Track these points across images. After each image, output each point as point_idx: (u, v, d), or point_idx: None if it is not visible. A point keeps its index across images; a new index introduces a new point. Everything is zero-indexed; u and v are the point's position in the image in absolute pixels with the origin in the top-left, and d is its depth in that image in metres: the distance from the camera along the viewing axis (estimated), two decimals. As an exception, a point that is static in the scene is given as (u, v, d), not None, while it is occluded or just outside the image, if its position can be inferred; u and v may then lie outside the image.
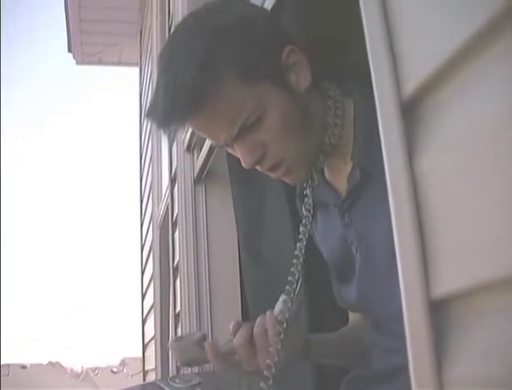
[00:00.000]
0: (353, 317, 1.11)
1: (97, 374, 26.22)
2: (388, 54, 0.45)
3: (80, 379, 26.39)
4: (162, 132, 0.87)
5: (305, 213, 0.94)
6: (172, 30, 0.94)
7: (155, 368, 3.34)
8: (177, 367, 2.27)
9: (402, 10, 0.44)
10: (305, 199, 0.94)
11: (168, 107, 0.82)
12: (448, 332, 0.40)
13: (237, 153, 0.88)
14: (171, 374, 2.54)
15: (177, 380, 1.07)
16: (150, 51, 3.53)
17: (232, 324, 0.92)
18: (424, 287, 0.40)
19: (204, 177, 1.98)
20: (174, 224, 2.32)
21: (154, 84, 0.88)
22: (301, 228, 0.94)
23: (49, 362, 27.33)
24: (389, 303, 0.87)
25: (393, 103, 0.44)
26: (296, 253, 0.93)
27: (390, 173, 0.44)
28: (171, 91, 0.82)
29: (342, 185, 0.94)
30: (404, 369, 0.43)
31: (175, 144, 2.29)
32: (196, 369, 1.79)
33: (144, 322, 4.11)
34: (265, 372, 0.85)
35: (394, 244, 0.77)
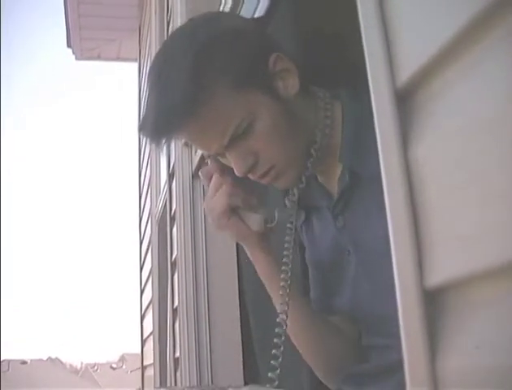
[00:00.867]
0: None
1: (97, 369, 26.27)
2: (383, 42, 0.44)
3: (80, 374, 26.45)
4: (154, 146, 0.88)
5: (288, 204, 0.95)
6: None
7: (153, 363, 3.34)
8: (174, 362, 2.27)
9: (397, 0, 0.44)
10: (290, 196, 0.94)
11: (159, 121, 0.84)
12: (442, 322, 0.40)
13: (229, 161, 0.89)
14: (168, 370, 2.54)
15: None
16: (149, 47, 3.52)
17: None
18: (418, 276, 0.40)
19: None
20: (172, 219, 2.32)
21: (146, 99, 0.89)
22: (287, 225, 0.95)
23: (49, 358, 27.39)
24: (387, 305, 0.87)
25: (388, 92, 0.44)
26: (285, 252, 0.94)
27: (385, 162, 0.44)
28: (161, 105, 0.84)
29: (335, 188, 0.94)
30: (402, 364, 0.43)
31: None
32: (192, 366, 1.79)
33: (142, 317, 4.12)
34: (272, 362, 0.86)
35: (389, 244, 0.77)
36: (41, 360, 26.56)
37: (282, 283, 0.92)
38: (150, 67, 0.92)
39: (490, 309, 0.36)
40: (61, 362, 28.07)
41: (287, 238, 0.93)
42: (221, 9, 1.59)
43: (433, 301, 0.40)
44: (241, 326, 1.80)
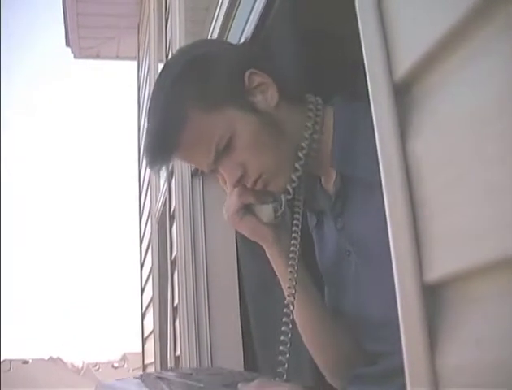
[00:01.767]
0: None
1: (98, 369, 26.31)
2: (380, 37, 0.44)
3: (81, 374, 26.48)
4: (150, 169, 0.99)
5: (284, 202, 0.98)
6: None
7: (154, 362, 3.34)
8: (175, 361, 2.27)
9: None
10: (286, 194, 0.97)
11: (149, 153, 0.95)
12: (441, 318, 0.39)
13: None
14: (169, 367, 2.54)
15: (170, 372, 1.07)
16: (148, 45, 3.52)
17: None
18: (417, 271, 0.40)
19: (201, 170, 1.97)
20: (171, 218, 2.32)
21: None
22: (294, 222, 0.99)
23: (51, 358, 27.43)
24: (390, 308, 0.87)
25: (385, 87, 0.43)
26: (291, 249, 0.96)
27: (383, 157, 0.44)
28: (150, 136, 0.96)
29: (333, 191, 0.98)
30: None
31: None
32: (193, 364, 1.79)
33: (143, 316, 4.12)
34: (279, 357, 0.88)
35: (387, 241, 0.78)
36: (42, 359, 26.60)
37: (290, 269, 0.95)
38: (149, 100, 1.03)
39: (489, 303, 0.35)
40: (62, 362, 28.10)
41: (295, 222, 0.97)
42: (218, 6, 1.59)
43: (432, 296, 0.40)
44: (242, 324, 1.80)
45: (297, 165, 0.93)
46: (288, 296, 0.93)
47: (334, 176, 0.95)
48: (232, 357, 1.78)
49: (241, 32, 1.42)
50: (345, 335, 1.03)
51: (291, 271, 0.95)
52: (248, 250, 1.67)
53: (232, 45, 1.22)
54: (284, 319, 0.92)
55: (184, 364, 1.90)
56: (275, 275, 1.09)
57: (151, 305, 3.53)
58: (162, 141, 0.94)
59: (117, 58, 5.03)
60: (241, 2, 1.45)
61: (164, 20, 2.61)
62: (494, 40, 0.35)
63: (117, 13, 4.36)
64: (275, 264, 1.03)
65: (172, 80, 0.94)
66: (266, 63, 0.98)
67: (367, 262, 0.92)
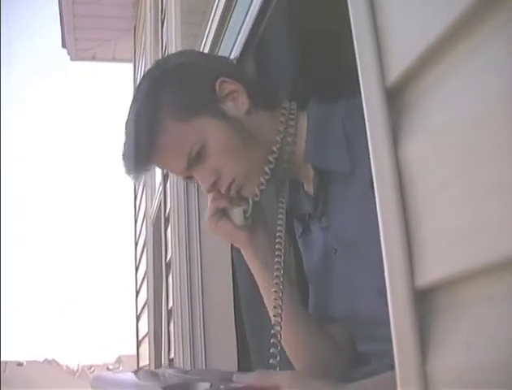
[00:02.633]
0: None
1: (93, 371, 26.25)
2: (373, 41, 0.44)
3: (76, 376, 26.43)
4: (128, 176, 1.02)
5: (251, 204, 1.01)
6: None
7: (149, 364, 3.34)
8: (169, 363, 2.27)
9: (388, -2, 0.44)
10: (253, 197, 1.00)
11: (126, 162, 1.00)
12: (433, 322, 0.39)
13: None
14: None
15: (166, 369, 1.06)
16: (144, 47, 3.52)
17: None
18: (409, 275, 0.40)
19: None
20: (166, 220, 2.32)
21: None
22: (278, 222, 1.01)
23: (46, 360, 27.36)
24: (375, 300, 0.88)
25: (378, 91, 0.44)
26: (276, 252, 0.97)
27: (375, 160, 0.44)
28: (126, 147, 1.00)
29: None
30: None
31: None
32: (188, 367, 1.79)
33: (138, 318, 4.11)
34: (271, 349, 0.89)
35: (371, 233, 0.79)
36: (37, 361, 26.53)
37: (275, 288, 0.94)
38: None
39: (479, 308, 0.36)
40: (58, 364, 28.03)
41: (277, 240, 0.98)
42: (214, 8, 1.59)
43: (424, 300, 0.40)
44: (236, 326, 1.80)
45: (266, 168, 0.96)
46: (275, 316, 0.92)
47: (312, 176, 0.97)
48: (226, 359, 1.77)
49: (237, 34, 1.42)
50: (329, 345, 1.03)
51: (276, 291, 0.94)
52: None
53: (205, 54, 1.30)
54: (272, 323, 0.92)
55: (179, 366, 1.90)
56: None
57: (146, 307, 3.53)
58: (137, 151, 0.97)
59: (113, 60, 5.02)
60: (237, 4, 1.45)
61: (160, 22, 2.61)
62: (484, 45, 0.35)
63: (113, 15, 4.35)
64: (252, 265, 1.06)
65: (147, 92, 1.00)
66: (237, 72, 1.03)
67: (354, 257, 0.93)
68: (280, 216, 1.01)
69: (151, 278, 3.29)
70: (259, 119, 0.99)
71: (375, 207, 0.87)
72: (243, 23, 1.38)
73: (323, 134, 0.95)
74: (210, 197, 1.02)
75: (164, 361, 2.52)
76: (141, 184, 3.80)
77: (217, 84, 0.98)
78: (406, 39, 0.41)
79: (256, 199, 0.99)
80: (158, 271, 2.94)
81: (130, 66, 4.60)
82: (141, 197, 3.90)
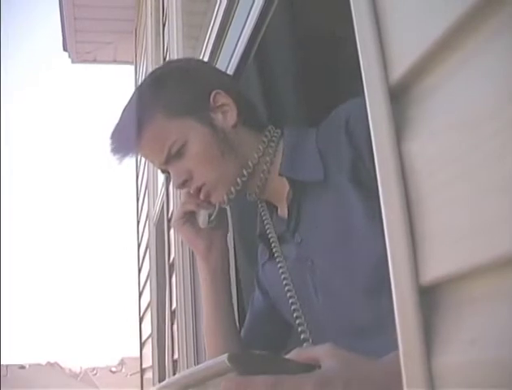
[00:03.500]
0: None
1: (96, 374, 26.21)
2: (376, 38, 0.44)
3: (79, 379, 26.38)
4: (112, 155, 1.07)
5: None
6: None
7: (152, 366, 3.34)
8: (173, 365, 2.27)
9: (390, -4, 0.44)
10: (221, 203, 1.07)
11: (114, 140, 1.06)
12: (437, 319, 0.39)
13: None
14: (167, 372, 2.53)
15: None
16: (145, 49, 3.52)
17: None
18: (413, 273, 0.40)
19: None
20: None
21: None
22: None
23: (48, 363, 27.30)
24: (361, 301, 0.89)
25: (381, 90, 0.44)
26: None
27: (379, 159, 0.44)
28: (118, 127, 1.07)
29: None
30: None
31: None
32: (191, 366, 1.79)
33: (141, 320, 4.11)
34: (300, 328, 0.97)
35: (347, 236, 0.82)
36: (39, 364, 26.49)
37: (294, 307, 1.01)
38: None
39: (484, 304, 0.36)
40: (60, 367, 27.99)
41: (279, 259, 1.04)
42: (215, 10, 1.59)
43: (428, 297, 0.40)
44: (240, 327, 1.80)
45: (238, 180, 1.02)
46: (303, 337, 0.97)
47: (286, 194, 1.01)
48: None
49: (238, 36, 1.42)
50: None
51: (295, 310, 1.00)
52: (245, 253, 1.67)
53: (209, 66, 1.41)
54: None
55: (182, 368, 1.90)
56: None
57: (149, 309, 3.52)
58: (125, 135, 1.06)
59: (114, 62, 5.02)
60: (238, 6, 1.45)
61: (161, 24, 2.62)
62: (488, 43, 0.35)
63: (114, 17, 4.36)
64: (202, 280, 1.13)
65: (146, 86, 1.09)
66: (233, 89, 1.09)
67: (332, 262, 0.95)
68: (270, 231, 1.07)
69: (154, 279, 3.29)
70: (243, 135, 1.05)
71: (352, 210, 0.89)
72: (244, 26, 1.38)
73: (297, 151, 1.01)
74: (181, 199, 1.10)
75: (168, 362, 2.52)
76: (144, 185, 3.81)
77: (212, 94, 1.04)
78: (410, 37, 0.41)
79: (223, 205, 1.06)
80: (161, 272, 2.94)
81: (131, 68, 4.60)
82: (144, 198, 3.90)
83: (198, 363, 1.79)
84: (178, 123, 1.02)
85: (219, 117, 1.04)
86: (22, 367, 24.69)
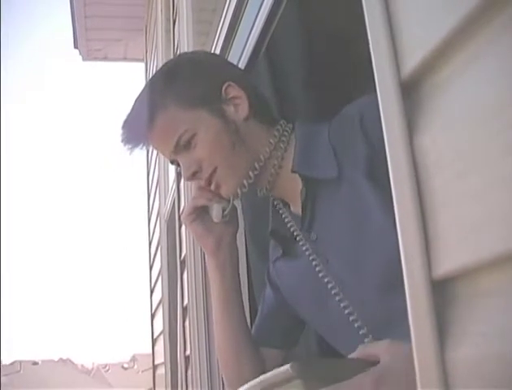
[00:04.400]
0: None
1: (108, 370, 26.37)
2: (387, 33, 0.44)
3: (91, 375, 26.55)
4: (123, 145, 1.08)
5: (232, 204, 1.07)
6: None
7: (164, 362, 3.35)
8: (185, 361, 2.27)
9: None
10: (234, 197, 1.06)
11: (126, 129, 1.07)
12: (449, 312, 0.40)
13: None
14: (179, 369, 2.54)
15: None
16: (155, 46, 3.53)
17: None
18: (426, 266, 0.40)
19: None
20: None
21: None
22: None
23: (61, 359, 27.49)
24: (375, 298, 0.89)
25: (393, 84, 0.44)
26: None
27: (391, 153, 0.44)
28: (130, 116, 1.08)
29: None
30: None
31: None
32: (204, 364, 1.80)
33: (153, 316, 4.12)
34: (355, 324, 0.94)
35: (362, 234, 0.80)
36: (52, 360, 26.68)
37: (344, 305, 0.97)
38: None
39: (496, 298, 0.36)
40: (72, 363, 28.17)
41: (309, 254, 1.01)
42: (225, 7, 1.59)
43: (441, 290, 0.40)
44: (251, 322, 1.80)
45: (250, 173, 1.02)
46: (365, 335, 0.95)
47: (299, 191, 1.00)
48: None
49: (249, 32, 1.43)
50: (258, 364, 1.11)
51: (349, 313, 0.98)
52: (256, 248, 1.68)
53: (220, 58, 1.43)
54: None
55: (194, 364, 1.91)
56: None
57: (161, 305, 3.54)
58: (138, 123, 1.06)
59: (125, 59, 5.04)
60: (249, 2, 1.45)
61: (172, 22, 2.62)
62: (501, 36, 0.35)
63: (124, 15, 4.37)
64: (211, 277, 1.13)
65: (159, 77, 1.10)
66: (244, 82, 1.09)
67: (348, 261, 0.95)
68: (291, 224, 1.05)
69: (165, 276, 3.30)
70: (254, 128, 1.05)
71: (368, 206, 0.88)
72: (254, 21, 1.38)
73: (310, 148, 1.00)
74: (192, 194, 1.11)
75: (180, 358, 2.53)
76: (155, 182, 3.82)
77: (224, 86, 1.04)
78: (421, 32, 0.41)
79: (236, 199, 1.05)
80: (173, 269, 2.95)
81: (142, 65, 4.61)
82: (155, 195, 3.91)
83: (211, 359, 1.80)
84: (189, 113, 1.02)
85: (230, 109, 1.04)
86: (35, 363, 24.88)
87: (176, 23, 2.42)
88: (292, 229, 1.04)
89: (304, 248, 1.01)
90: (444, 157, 0.39)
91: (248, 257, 1.81)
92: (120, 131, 1.08)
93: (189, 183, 2.03)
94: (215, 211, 1.06)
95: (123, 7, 4.29)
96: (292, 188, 1.03)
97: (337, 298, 0.96)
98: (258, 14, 1.35)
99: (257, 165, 1.02)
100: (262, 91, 1.20)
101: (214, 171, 1.02)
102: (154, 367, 4.16)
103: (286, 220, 1.06)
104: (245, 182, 1.02)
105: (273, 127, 1.06)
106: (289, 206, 1.08)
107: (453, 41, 0.38)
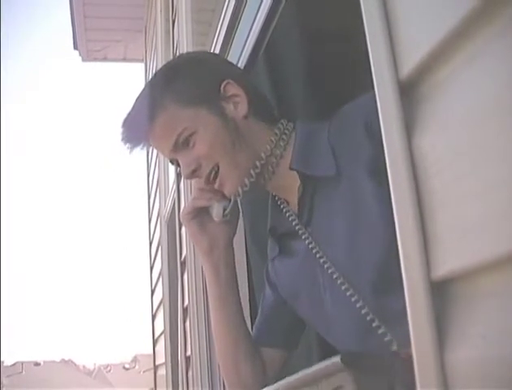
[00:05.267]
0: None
1: (110, 370, 26.42)
2: (386, 35, 0.44)
3: (93, 375, 26.59)
4: (123, 144, 1.08)
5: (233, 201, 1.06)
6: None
7: (165, 363, 3.35)
8: (186, 361, 2.27)
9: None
10: (235, 196, 1.05)
11: (126, 128, 1.08)
12: (449, 313, 0.39)
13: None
14: (180, 369, 2.54)
15: None
16: (155, 47, 3.53)
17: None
18: (425, 268, 0.40)
19: None
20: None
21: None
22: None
23: (62, 360, 27.53)
24: (369, 297, 0.88)
25: (391, 84, 0.44)
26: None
27: (389, 154, 0.44)
28: (130, 116, 1.08)
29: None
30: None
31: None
32: (204, 365, 1.79)
33: (154, 317, 4.12)
34: (373, 324, 0.89)
35: (359, 231, 0.78)
36: (54, 361, 26.71)
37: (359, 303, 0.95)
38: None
39: (495, 299, 0.36)
40: (74, 364, 28.20)
41: (319, 256, 0.99)
42: (224, 7, 1.59)
43: (440, 292, 0.40)
44: (252, 323, 1.80)
45: (252, 172, 1.01)
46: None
47: (297, 188, 1.00)
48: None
49: (248, 33, 1.42)
50: (258, 364, 1.11)
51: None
52: (257, 248, 1.68)
53: (218, 57, 1.43)
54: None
55: (195, 364, 1.91)
56: None
57: (161, 306, 3.54)
58: (138, 121, 1.07)
59: (124, 60, 5.04)
60: (247, 2, 1.45)
61: (171, 22, 2.62)
62: (498, 37, 0.35)
63: (124, 16, 4.36)
64: (206, 278, 1.13)
65: (159, 76, 1.11)
66: (243, 80, 1.09)
67: (344, 257, 0.94)
68: (293, 219, 1.03)
69: (166, 277, 3.30)
70: (254, 127, 1.04)
71: (368, 204, 0.88)
72: (253, 21, 1.38)
73: (308, 146, 1.00)
74: (192, 194, 1.11)
75: (181, 359, 2.53)
76: (155, 183, 3.82)
77: (223, 84, 1.04)
78: (419, 33, 0.41)
79: (238, 198, 1.05)
80: (173, 270, 2.95)
81: (141, 66, 4.61)
82: (155, 196, 3.91)
83: (211, 360, 1.80)
84: (188, 112, 1.03)
85: (229, 107, 1.04)
86: (37, 364, 24.90)
87: (176, 23, 2.42)
88: (293, 223, 1.03)
89: (307, 241, 1.01)
90: (442, 159, 0.39)
91: (248, 258, 1.81)
92: (120, 129, 1.08)
93: (189, 183, 2.03)
94: (216, 210, 1.06)
95: (122, 8, 4.28)
96: (291, 185, 1.02)
97: (348, 293, 0.94)
98: (257, 14, 1.35)
99: (258, 163, 1.02)
100: (261, 90, 1.20)
101: (216, 169, 1.02)
102: (155, 368, 4.16)
103: (287, 214, 1.05)
104: (246, 180, 1.02)
105: (274, 126, 1.05)
106: (288, 204, 1.07)
107: (451, 42, 0.38)
